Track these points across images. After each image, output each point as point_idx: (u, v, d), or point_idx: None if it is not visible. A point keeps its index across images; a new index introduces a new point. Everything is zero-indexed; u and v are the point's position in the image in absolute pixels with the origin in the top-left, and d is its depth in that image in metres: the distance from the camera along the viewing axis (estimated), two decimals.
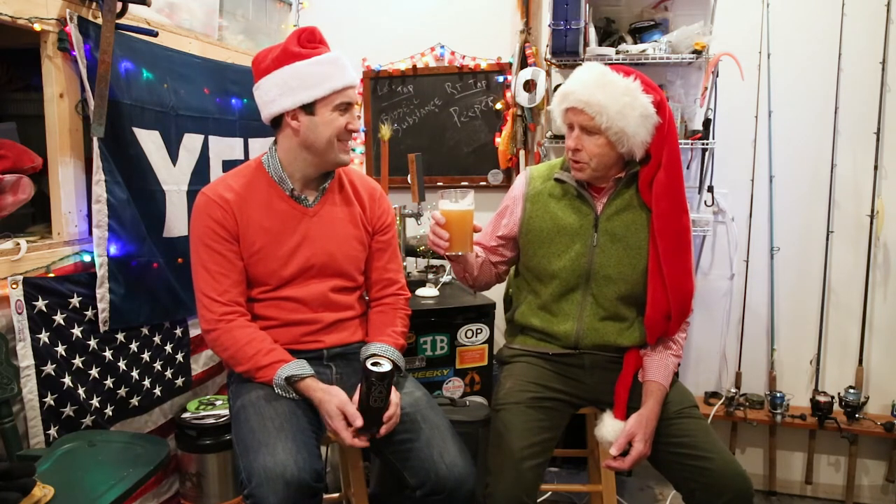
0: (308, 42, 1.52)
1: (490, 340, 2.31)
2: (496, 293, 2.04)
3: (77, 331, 1.64)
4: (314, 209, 1.60)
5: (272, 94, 1.51)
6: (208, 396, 2.11)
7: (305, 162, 1.56)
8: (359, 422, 1.39)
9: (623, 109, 1.45)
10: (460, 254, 1.50)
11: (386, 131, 2.50)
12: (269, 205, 1.56)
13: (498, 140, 2.74)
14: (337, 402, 1.42)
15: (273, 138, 1.61)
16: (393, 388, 1.45)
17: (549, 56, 2.41)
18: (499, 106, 2.76)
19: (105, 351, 1.72)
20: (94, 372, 1.68)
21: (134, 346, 1.81)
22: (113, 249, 1.69)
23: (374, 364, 1.40)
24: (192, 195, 1.93)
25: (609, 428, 1.51)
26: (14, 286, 1.48)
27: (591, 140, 1.50)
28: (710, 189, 2.42)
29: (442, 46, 2.79)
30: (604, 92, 1.46)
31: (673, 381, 1.60)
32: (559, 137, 2.44)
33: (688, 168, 2.51)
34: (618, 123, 1.45)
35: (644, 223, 1.57)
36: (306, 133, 1.51)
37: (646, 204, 1.56)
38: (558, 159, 1.72)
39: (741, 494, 1.39)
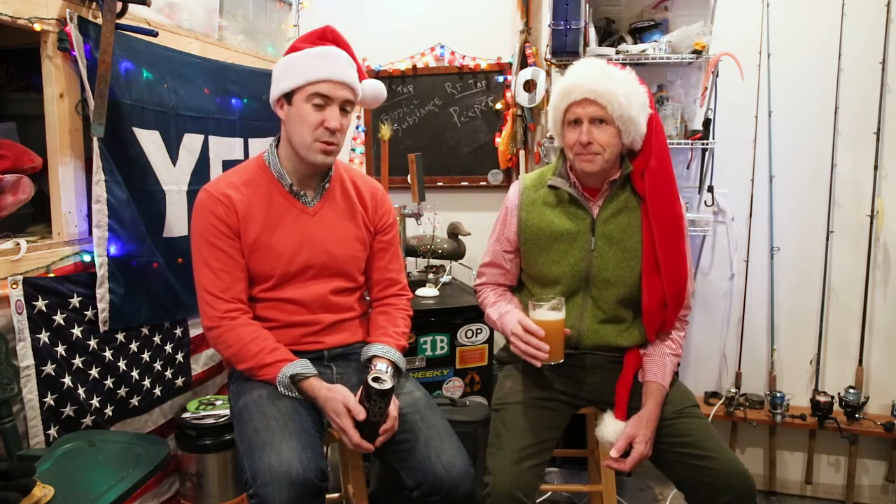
0: (318, 39, 1.55)
1: (490, 340, 2.31)
2: None
3: (77, 331, 1.64)
4: (314, 208, 1.59)
5: (271, 86, 1.55)
6: (208, 396, 2.11)
7: (294, 158, 1.55)
8: (361, 415, 1.39)
9: (629, 97, 1.48)
10: (553, 363, 1.48)
11: (386, 131, 2.50)
12: (269, 201, 1.55)
13: (498, 140, 2.74)
14: (341, 398, 1.42)
15: (274, 136, 1.63)
16: (393, 401, 1.45)
17: (549, 56, 2.41)
18: (499, 106, 2.76)
19: (105, 351, 1.72)
20: (94, 372, 1.68)
21: (134, 346, 1.82)
22: (113, 249, 1.69)
23: (374, 380, 1.40)
24: (192, 195, 1.93)
25: (610, 428, 1.51)
26: (14, 286, 1.48)
27: (601, 131, 1.50)
28: (710, 189, 2.42)
29: (442, 46, 2.79)
30: (611, 81, 1.48)
31: (673, 381, 1.60)
32: None
33: (688, 168, 2.51)
34: (627, 111, 1.47)
35: (639, 225, 1.57)
36: (287, 124, 1.53)
37: (640, 195, 1.57)
38: (549, 166, 1.71)
39: (744, 493, 1.39)
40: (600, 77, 1.49)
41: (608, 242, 1.58)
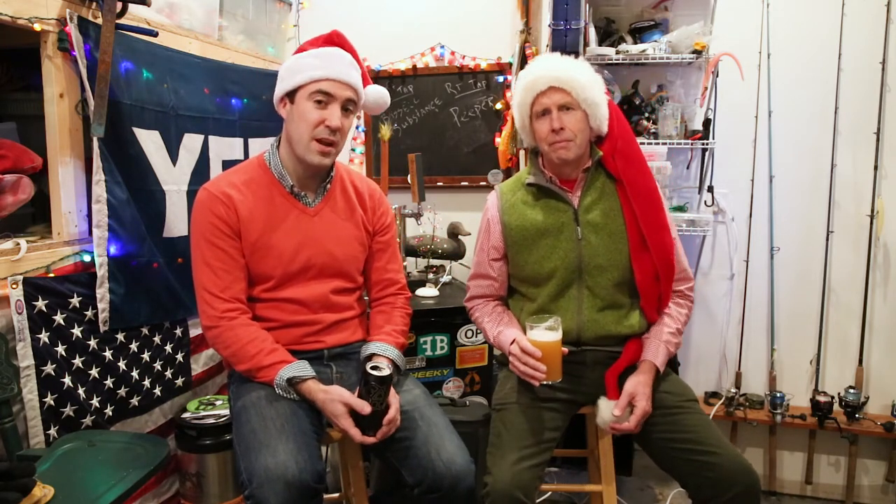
0: (324, 42, 1.57)
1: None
2: None
3: (77, 331, 1.64)
4: (315, 209, 1.60)
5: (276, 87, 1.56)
6: (208, 396, 2.11)
7: (293, 158, 1.56)
8: (367, 409, 1.39)
9: (590, 81, 1.55)
10: (550, 383, 1.51)
11: (386, 131, 2.50)
12: (270, 201, 1.55)
13: (498, 140, 2.74)
14: (339, 399, 1.42)
15: (275, 136, 1.63)
16: (393, 393, 1.45)
17: None
18: (499, 106, 2.76)
19: (105, 351, 1.72)
20: (94, 372, 1.68)
21: (134, 346, 1.82)
22: (113, 249, 1.69)
23: (373, 368, 1.41)
24: (192, 195, 1.93)
25: (606, 409, 1.54)
26: (14, 286, 1.48)
27: (570, 117, 1.55)
28: (710, 189, 2.42)
29: (442, 46, 2.79)
30: (573, 68, 1.55)
31: (670, 374, 1.63)
32: None
33: (688, 168, 2.51)
34: (590, 95, 1.54)
35: (620, 207, 1.61)
36: (288, 122, 1.54)
37: (614, 177, 1.62)
38: (523, 170, 1.75)
39: (748, 489, 1.40)
40: (561, 65, 1.56)
41: (593, 230, 1.61)
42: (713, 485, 1.42)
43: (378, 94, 1.71)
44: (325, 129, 1.49)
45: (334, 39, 1.59)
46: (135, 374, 1.82)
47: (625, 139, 1.61)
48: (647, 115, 2.39)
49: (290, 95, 1.52)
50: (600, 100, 1.56)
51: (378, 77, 2.85)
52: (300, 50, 1.58)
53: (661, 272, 1.59)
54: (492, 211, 1.70)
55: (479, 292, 1.75)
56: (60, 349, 1.59)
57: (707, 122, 2.32)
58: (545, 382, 1.49)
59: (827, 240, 2.44)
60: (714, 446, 1.44)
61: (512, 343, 1.53)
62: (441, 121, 2.84)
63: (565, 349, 1.52)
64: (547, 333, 1.48)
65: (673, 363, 1.74)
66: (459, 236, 2.56)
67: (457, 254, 2.57)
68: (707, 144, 2.33)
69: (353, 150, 2.93)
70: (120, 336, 1.77)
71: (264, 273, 1.55)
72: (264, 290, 1.57)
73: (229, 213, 1.51)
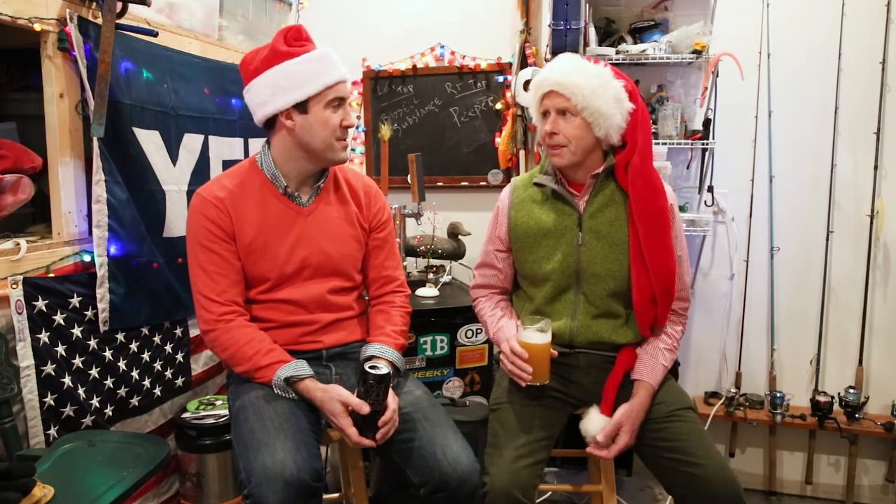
0: (295, 40, 1.51)
1: (490, 340, 2.31)
2: None
3: (77, 331, 1.64)
4: (309, 209, 1.59)
5: (264, 96, 1.50)
6: (208, 396, 2.11)
7: (302, 161, 1.55)
8: (366, 408, 1.39)
9: (596, 90, 1.48)
10: (538, 384, 1.52)
11: (386, 131, 2.50)
12: (263, 203, 1.55)
13: (498, 140, 2.74)
14: (338, 398, 1.42)
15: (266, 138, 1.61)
16: (391, 394, 1.45)
17: (549, 56, 2.41)
18: (499, 106, 2.76)
19: (105, 351, 1.72)
20: (94, 372, 1.68)
21: (134, 346, 1.82)
22: (113, 249, 1.69)
23: (371, 367, 1.41)
24: (191, 195, 1.93)
25: (594, 423, 1.53)
26: (14, 286, 1.48)
27: (567, 122, 1.52)
28: (710, 189, 2.42)
29: (442, 46, 2.79)
30: (577, 74, 1.50)
31: (667, 380, 1.61)
32: None
33: (688, 168, 2.51)
34: (593, 103, 1.48)
35: (626, 219, 1.58)
36: (301, 132, 1.50)
37: (624, 190, 1.57)
38: (537, 167, 1.73)
39: (730, 500, 1.40)
40: (568, 70, 1.51)
41: (595, 237, 1.58)
42: (696, 496, 1.43)
43: None
44: (344, 130, 1.52)
45: (304, 35, 1.54)
46: (135, 374, 1.82)
47: (642, 154, 1.54)
48: None
49: (300, 106, 1.48)
50: (608, 110, 1.48)
51: (378, 77, 2.85)
52: (277, 55, 1.48)
53: (660, 296, 1.56)
54: (503, 202, 1.70)
55: (484, 282, 1.75)
56: (60, 349, 1.59)
57: (707, 122, 2.32)
58: (532, 383, 1.50)
59: (827, 240, 2.44)
60: (701, 457, 1.43)
61: (505, 342, 1.54)
62: (441, 121, 2.84)
63: (555, 352, 1.52)
64: (536, 335, 1.49)
65: (673, 364, 1.73)
66: (459, 236, 2.55)
67: (457, 254, 2.57)
68: (707, 144, 2.33)
69: (353, 150, 2.93)
70: (120, 336, 1.77)
71: (260, 275, 1.55)
72: (260, 292, 1.57)
73: (222, 217, 1.51)
